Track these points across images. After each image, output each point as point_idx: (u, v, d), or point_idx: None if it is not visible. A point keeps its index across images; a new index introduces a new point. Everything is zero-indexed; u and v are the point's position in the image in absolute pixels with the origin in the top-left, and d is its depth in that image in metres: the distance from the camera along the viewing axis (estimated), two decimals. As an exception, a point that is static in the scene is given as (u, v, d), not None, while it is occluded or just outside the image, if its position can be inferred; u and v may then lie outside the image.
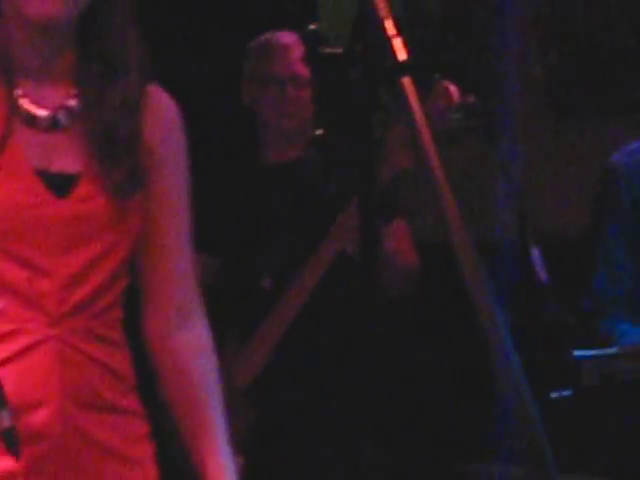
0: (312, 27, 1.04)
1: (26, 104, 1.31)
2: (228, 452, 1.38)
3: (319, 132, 2.03)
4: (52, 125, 1.32)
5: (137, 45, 1.33)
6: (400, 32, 0.96)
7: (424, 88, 2.10)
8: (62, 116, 1.32)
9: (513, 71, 2.41)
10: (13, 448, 1.14)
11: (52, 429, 1.27)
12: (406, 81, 0.94)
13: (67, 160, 1.32)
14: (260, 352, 2.15)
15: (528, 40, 2.59)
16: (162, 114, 1.38)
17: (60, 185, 1.30)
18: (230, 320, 2.18)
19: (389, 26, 0.95)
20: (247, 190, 2.21)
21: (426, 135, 0.93)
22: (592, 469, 1.57)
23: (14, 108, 1.31)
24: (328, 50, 1.01)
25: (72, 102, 1.33)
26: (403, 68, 0.95)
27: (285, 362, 2.12)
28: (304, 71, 2.05)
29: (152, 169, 1.35)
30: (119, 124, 1.32)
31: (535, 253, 1.84)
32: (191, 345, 1.41)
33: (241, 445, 2.14)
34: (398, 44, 0.96)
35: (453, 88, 1.98)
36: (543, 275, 1.83)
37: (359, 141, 0.96)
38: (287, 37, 2.18)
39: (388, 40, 0.94)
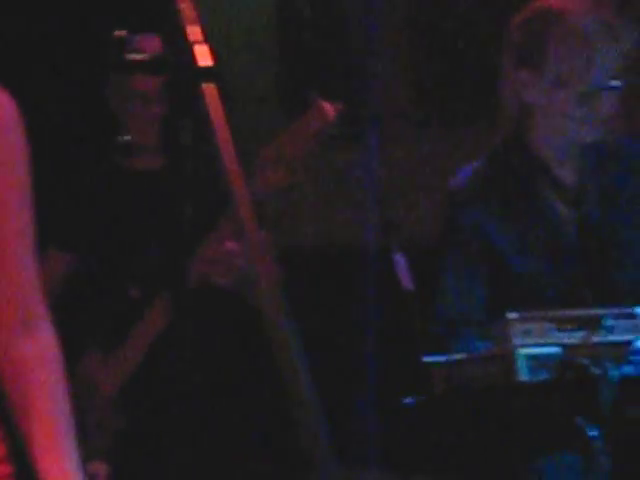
0: (119, 33, 1.00)
1: None
2: (74, 465, 1.36)
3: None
4: None
5: None
6: (207, 39, 0.95)
7: (301, 106, 2.11)
8: None
9: (378, 77, 2.45)
10: None
11: None
12: (207, 87, 0.92)
13: None
14: (128, 360, 2.13)
15: (393, 47, 2.63)
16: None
17: None
18: (94, 325, 2.18)
19: (193, 32, 0.94)
20: (107, 191, 2.19)
21: (224, 143, 0.91)
22: (442, 472, 1.59)
23: None
24: (133, 57, 0.98)
25: None
26: (205, 74, 0.94)
27: (153, 370, 2.11)
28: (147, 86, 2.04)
29: None
30: None
31: (399, 260, 1.85)
32: (35, 356, 1.37)
33: (108, 453, 2.13)
34: (203, 50, 0.94)
35: (329, 107, 1.97)
36: (407, 282, 1.85)
37: (167, 147, 0.94)
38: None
39: (190, 46, 0.93)
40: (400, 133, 2.55)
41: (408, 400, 1.56)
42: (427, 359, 1.57)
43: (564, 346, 1.51)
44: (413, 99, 2.71)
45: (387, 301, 1.81)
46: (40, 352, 1.36)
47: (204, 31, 0.95)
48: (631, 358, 1.54)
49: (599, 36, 1.72)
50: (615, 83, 1.73)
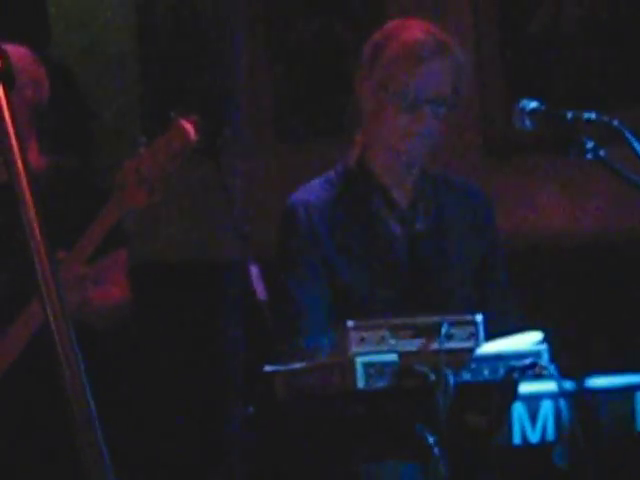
0: None
1: None
2: None
3: None
4: None
5: None
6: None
7: (162, 125, 2.08)
8: None
9: (240, 91, 2.46)
10: None
11: None
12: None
13: None
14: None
15: (255, 59, 2.65)
16: None
17: None
18: None
19: None
20: None
21: (15, 149, 0.89)
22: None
23: None
24: None
25: None
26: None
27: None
28: None
29: None
30: None
31: (254, 271, 1.86)
32: None
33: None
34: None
35: (190, 126, 1.94)
36: (260, 292, 1.85)
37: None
38: None
39: None
40: (257, 147, 2.56)
41: (249, 409, 1.56)
42: (268, 368, 1.57)
43: (401, 354, 1.52)
44: (270, 114, 2.72)
45: (244, 311, 1.81)
46: None
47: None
48: (470, 365, 1.57)
49: (428, 50, 1.80)
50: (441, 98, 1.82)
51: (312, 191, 1.89)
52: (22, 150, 0.94)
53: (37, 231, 0.93)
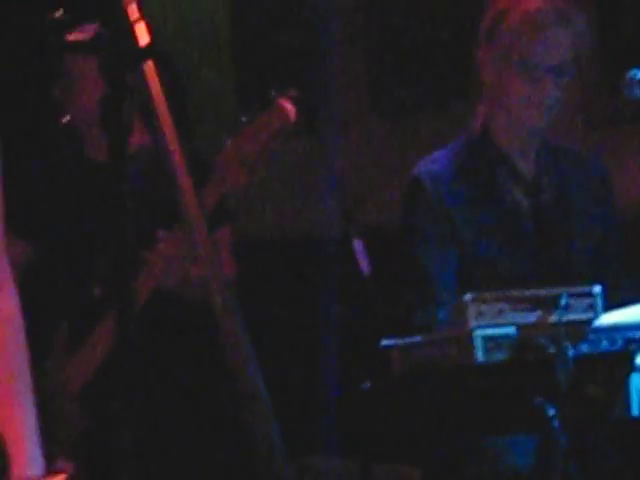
0: (57, 14, 0.98)
1: None
2: (29, 429, 1.38)
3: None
4: None
5: None
6: (142, 16, 0.94)
7: (260, 104, 2.09)
8: None
9: (334, 67, 2.46)
10: None
11: None
12: (147, 65, 0.91)
13: None
14: (91, 358, 2.11)
15: (349, 36, 2.64)
16: None
17: None
18: (57, 322, 2.14)
19: (132, 10, 0.92)
20: (72, 183, 2.16)
21: (165, 120, 0.90)
22: (403, 458, 1.59)
23: None
24: (73, 37, 0.96)
25: None
26: (144, 52, 0.92)
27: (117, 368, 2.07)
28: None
29: None
30: None
31: (358, 246, 1.85)
32: None
33: (72, 452, 2.11)
34: (140, 29, 0.93)
35: (289, 106, 1.94)
36: (365, 267, 1.85)
37: (108, 129, 0.92)
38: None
39: (130, 25, 0.91)
40: (356, 122, 2.56)
41: (365, 385, 1.56)
42: (385, 342, 1.57)
43: (520, 326, 1.52)
44: (368, 89, 2.73)
45: (347, 287, 1.81)
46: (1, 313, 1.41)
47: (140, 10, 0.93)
48: (589, 337, 1.56)
49: (549, 19, 1.80)
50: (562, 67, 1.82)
51: (437, 162, 1.91)
52: (173, 128, 0.96)
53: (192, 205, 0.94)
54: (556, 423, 1.55)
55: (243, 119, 1.95)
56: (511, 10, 1.83)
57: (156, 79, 0.93)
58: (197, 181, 1.89)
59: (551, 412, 1.55)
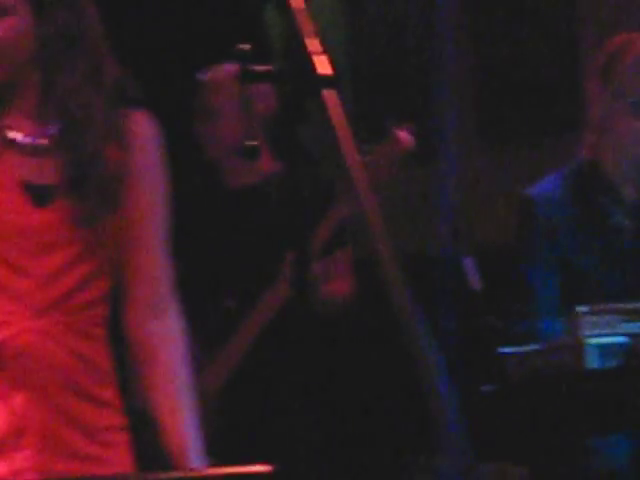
0: (243, 46, 1.14)
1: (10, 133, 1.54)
2: (194, 432, 1.55)
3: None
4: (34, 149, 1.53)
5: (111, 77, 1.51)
6: (325, 50, 1.10)
7: (377, 134, 2.26)
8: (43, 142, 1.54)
9: (448, 95, 2.63)
10: None
11: (32, 409, 1.48)
12: (328, 94, 1.07)
13: (49, 176, 1.52)
14: (225, 366, 2.32)
15: (462, 65, 2.82)
16: (139, 138, 1.56)
17: (40, 197, 1.52)
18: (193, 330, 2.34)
19: (312, 44, 1.08)
20: (203, 204, 2.41)
21: (348, 146, 1.06)
22: (514, 458, 1.72)
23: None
24: (259, 68, 1.12)
25: (52, 130, 1.53)
26: (326, 82, 1.08)
27: (248, 374, 2.28)
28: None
29: (131, 187, 1.55)
30: (86, 148, 1.50)
31: (468, 263, 2.01)
32: (160, 335, 1.58)
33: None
34: (322, 60, 1.08)
35: (406, 136, 2.11)
36: (475, 283, 2.01)
37: (285, 153, 1.09)
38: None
39: (310, 56, 1.07)
40: (467, 148, 2.75)
41: (486, 387, 1.70)
42: (502, 350, 1.71)
43: (631, 335, 1.64)
44: (479, 116, 2.92)
45: (459, 301, 1.95)
46: (166, 333, 1.57)
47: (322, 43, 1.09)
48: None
49: None
50: None
51: (549, 186, 2.07)
52: (353, 151, 1.11)
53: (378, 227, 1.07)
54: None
55: (364, 147, 2.13)
56: (626, 52, 1.98)
57: (338, 107, 1.08)
58: (323, 205, 2.09)
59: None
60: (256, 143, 1.90)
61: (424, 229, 2.43)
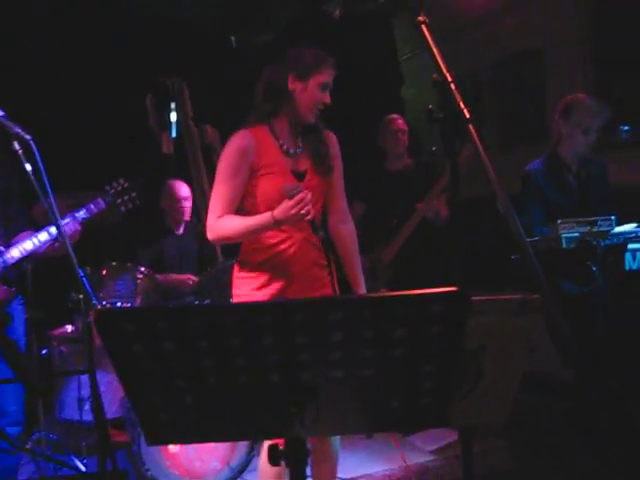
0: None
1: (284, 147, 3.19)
2: (363, 282, 3.39)
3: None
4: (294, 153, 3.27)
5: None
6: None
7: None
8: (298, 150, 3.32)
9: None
10: (317, 231, 2.97)
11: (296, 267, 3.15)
12: (471, 127, 2.65)
13: (302, 166, 3.31)
14: (395, 248, 4.68)
15: None
16: (332, 142, 3.37)
17: (299, 176, 3.23)
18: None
19: (454, 90, 1.88)
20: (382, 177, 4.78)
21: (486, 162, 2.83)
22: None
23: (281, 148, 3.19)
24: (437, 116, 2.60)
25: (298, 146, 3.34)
26: (469, 121, 2.38)
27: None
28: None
29: (333, 162, 3.37)
30: (321, 149, 3.32)
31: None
32: (349, 233, 3.35)
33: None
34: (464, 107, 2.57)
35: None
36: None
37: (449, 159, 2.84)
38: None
39: (462, 109, 2.25)
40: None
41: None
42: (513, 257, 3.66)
43: (581, 233, 3.60)
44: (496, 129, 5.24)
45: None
46: (351, 232, 3.40)
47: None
48: (609, 237, 3.63)
49: (596, 110, 3.98)
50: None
51: (536, 164, 4.13)
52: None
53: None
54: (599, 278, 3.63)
55: (434, 148, 4.17)
56: (577, 104, 4.05)
57: (476, 136, 2.76)
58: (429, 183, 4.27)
59: (594, 269, 3.62)
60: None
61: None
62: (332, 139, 3.29)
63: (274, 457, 1.57)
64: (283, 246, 3.11)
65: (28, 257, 3.48)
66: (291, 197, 2.87)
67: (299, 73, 3.04)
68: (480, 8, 6.40)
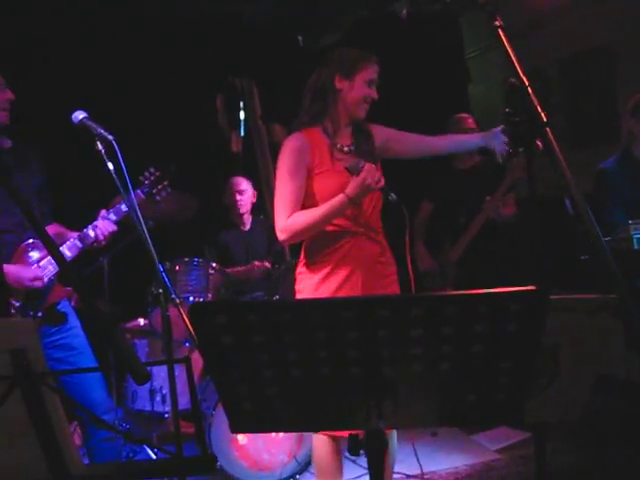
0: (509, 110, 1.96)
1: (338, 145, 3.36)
2: None
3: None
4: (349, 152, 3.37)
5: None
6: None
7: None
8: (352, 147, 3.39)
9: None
10: (389, 195, 3.00)
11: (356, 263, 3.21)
12: (549, 131, 1.83)
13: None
14: (462, 247, 4.75)
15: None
16: (376, 132, 3.40)
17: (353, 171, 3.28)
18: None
19: (531, 94, 1.84)
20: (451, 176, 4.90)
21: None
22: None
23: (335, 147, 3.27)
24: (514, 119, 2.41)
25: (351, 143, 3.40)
26: (545, 125, 2.39)
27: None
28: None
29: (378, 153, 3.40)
30: (368, 146, 3.35)
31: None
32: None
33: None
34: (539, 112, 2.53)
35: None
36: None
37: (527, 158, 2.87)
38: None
39: (539, 112, 1.82)
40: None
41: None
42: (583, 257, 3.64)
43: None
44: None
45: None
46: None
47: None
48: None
49: None
50: None
51: (608, 163, 4.13)
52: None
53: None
54: None
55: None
56: None
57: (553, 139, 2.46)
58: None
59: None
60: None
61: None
62: (375, 130, 3.36)
63: (354, 447, 1.64)
64: (343, 242, 3.19)
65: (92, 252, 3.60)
66: (357, 173, 2.94)
67: (344, 72, 3.16)
68: (550, 4, 6.34)
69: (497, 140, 3.16)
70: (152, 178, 3.72)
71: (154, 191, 3.72)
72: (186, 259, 4.72)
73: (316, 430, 2.63)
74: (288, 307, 1.48)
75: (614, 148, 4.18)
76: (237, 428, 1.76)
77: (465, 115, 5.11)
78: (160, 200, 3.72)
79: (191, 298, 4.63)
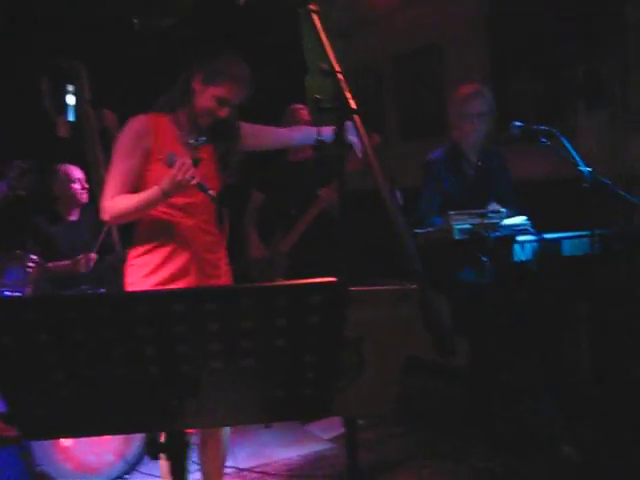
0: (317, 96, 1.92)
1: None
2: None
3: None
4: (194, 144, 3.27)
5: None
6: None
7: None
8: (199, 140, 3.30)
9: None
10: (206, 192, 2.88)
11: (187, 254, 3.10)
12: (357, 117, 1.79)
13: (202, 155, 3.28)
14: (291, 239, 4.75)
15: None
16: (243, 134, 3.37)
17: (194, 162, 3.20)
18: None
19: (343, 81, 1.79)
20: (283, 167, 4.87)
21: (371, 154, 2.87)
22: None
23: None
24: (325, 106, 1.89)
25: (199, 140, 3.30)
26: (355, 112, 1.81)
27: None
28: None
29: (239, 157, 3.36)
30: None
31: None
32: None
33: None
34: (350, 97, 1.81)
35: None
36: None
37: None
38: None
39: (348, 99, 1.79)
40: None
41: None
42: (416, 231, 3.73)
43: (473, 225, 3.69)
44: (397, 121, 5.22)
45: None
46: None
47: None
48: (498, 229, 3.74)
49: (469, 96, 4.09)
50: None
51: (436, 153, 4.19)
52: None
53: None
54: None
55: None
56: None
57: (362, 127, 1.86)
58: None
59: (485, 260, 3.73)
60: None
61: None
62: (242, 130, 3.26)
63: (153, 449, 1.55)
64: (172, 232, 3.09)
65: None
66: (172, 166, 2.86)
67: (204, 76, 3.03)
68: (382, 3, 6.47)
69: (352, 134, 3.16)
70: (18, 172, 3.46)
71: (18, 184, 3.46)
72: (2, 252, 4.42)
73: (116, 434, 2.52)
74: (71, 303, 1.36)
75: (443, 140, 4.29)
76: (29, 436, 1.63)
77: (300, 106, 5.09)
78: (23, 195, 3.47)
79: (7, 292, 4.34)
